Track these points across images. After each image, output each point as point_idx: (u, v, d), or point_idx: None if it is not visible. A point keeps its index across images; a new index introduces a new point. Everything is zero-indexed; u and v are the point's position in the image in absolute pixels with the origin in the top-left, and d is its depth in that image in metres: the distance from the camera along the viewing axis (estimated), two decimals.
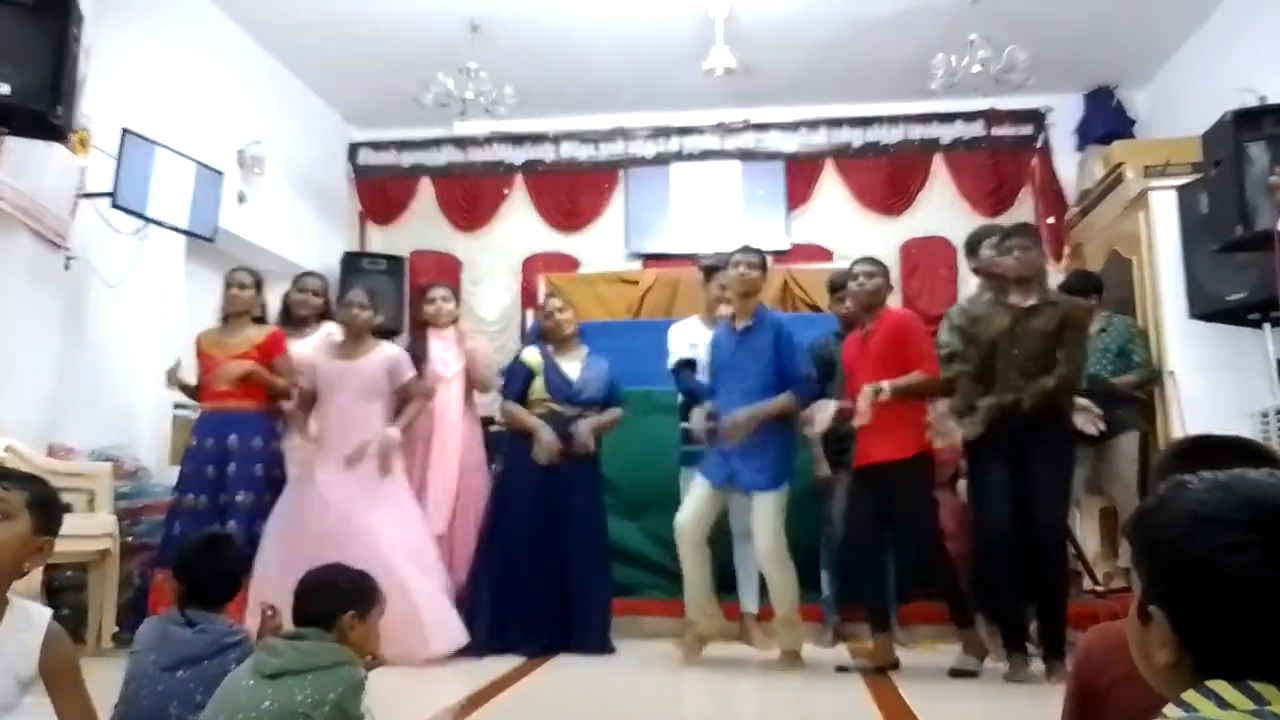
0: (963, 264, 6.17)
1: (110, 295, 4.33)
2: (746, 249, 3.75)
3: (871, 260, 3.69)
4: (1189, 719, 0.74)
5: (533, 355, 4.08)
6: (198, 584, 2.06)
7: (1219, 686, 0.74)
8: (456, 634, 3.67)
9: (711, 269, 4.13)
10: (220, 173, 4.69)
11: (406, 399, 3.99)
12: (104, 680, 1.95)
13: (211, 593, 2.06)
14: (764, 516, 3.51)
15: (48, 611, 1.68)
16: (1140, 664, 0.83)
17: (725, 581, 3.87)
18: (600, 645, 3.81)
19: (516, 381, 4.05)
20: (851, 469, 3.66)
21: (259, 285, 4.09)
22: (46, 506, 1.67)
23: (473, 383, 4.43)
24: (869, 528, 3.54)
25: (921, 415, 3.48)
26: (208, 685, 1.89)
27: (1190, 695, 0.75)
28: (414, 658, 3.40)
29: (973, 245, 3.84)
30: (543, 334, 4.17)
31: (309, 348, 4.20)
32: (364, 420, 3.83)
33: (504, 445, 4.25)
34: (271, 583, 3.10)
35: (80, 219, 4.10)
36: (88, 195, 4.12)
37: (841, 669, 3.44)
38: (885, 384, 3.34)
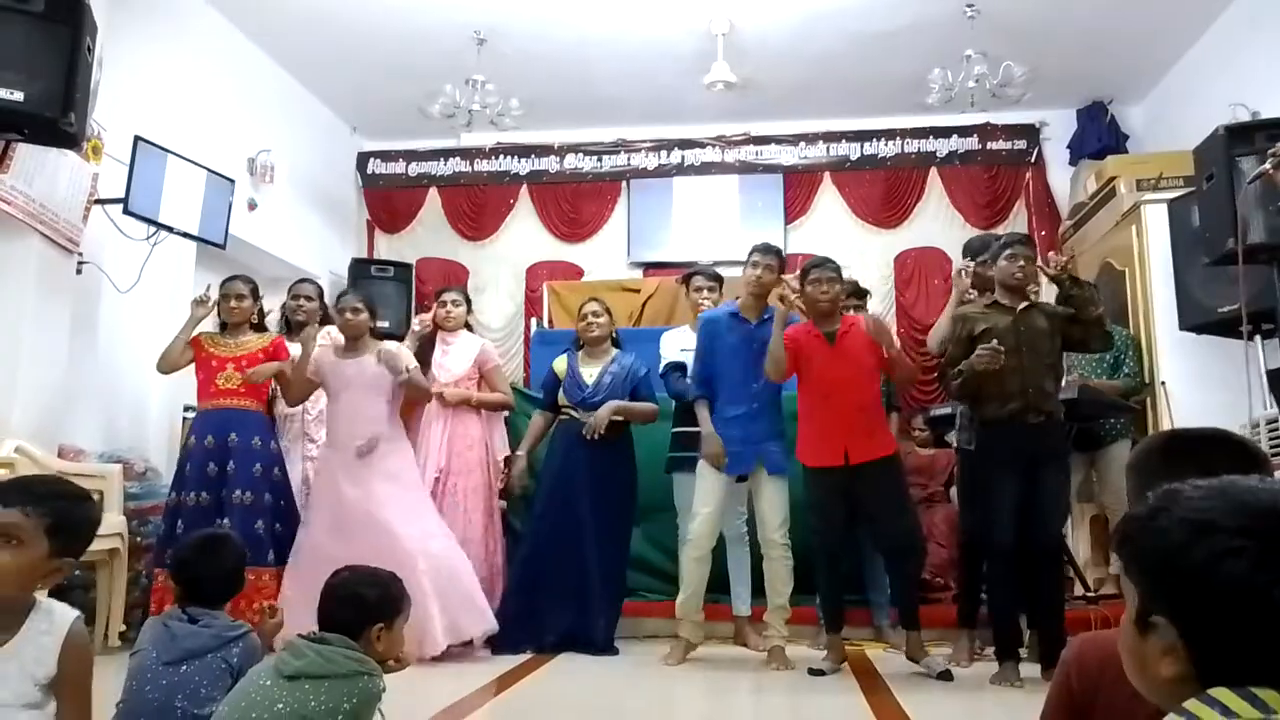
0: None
1: (121, 300, 4.40)
2: (767, 249, 3.78)
3: (829, 264, 3.61)
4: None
5: (561, 363, 4.18)
6: (196, 583, 2.07)
7: (1221, 694, 0.73)
8: (483, 618, 3.74)
9: (689, 277, 4.27)
10: (231, 180, 4.75)
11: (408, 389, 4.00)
12: (110, 678, 1.97)
13: (210, 591, 2.07)
14: (776, 498, 3.61)
15: (72, 613, 1.62)
16: (1136, 676, 0.81)
17: (718, 584, 3.91)
18: (605, 646, 3.87)
19: (547, 391, 4.21)
20: (814, 469, 3.55)
21: (255, 293, 4.15)
22: (69, 531, 1.59)
23: (489, 402, 4.45)
24: (840, 529, 3.55)
25: (886, 416, 3.64)
26: (212, 678, 1.93)
27: (1193, 705, 0.74)
28: (425, 654, 3.49)
29: (974, 249, 3.90)
30: (578, 340, 4.25)
31: (294, 351, 4.29)
32: (370, 416, 3.88)
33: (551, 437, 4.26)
34: (303, 581, 3.30)
35: (92, 225, 4.17)
36: (100, 201, 4.19)
37: (815, 671, 3.47)
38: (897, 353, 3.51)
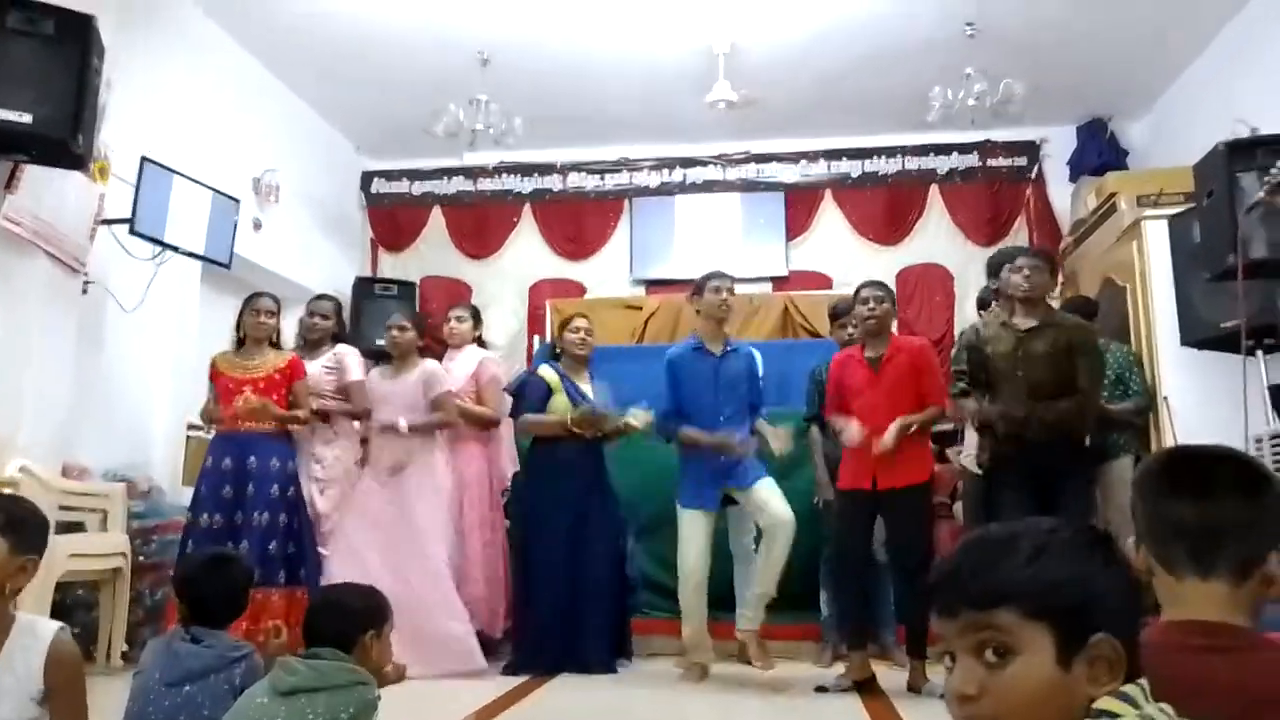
0: (959, 290, 6.29)
1: (127, 319, 4.42)
2: (721, 274, 3.83)
3: (879, 284, 3.75)
4: None
5: (549, 373, 4.16)
6: (201, 602, 2.07)
7: (1109, 703, 0.78)
8: (468, 655, 3.83)
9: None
10: (236, 200, 4.79)
11: (435, 409, 4.15)
12: (113, 697, 1.98)
13: (215, 611, 2.07)
14: (773, 492, 3.64)
15: (54, 625, 1.67)
16: (1048, 716, 0.80)
17: (724, 602, 3.91)
18: (605, 664, 3.86)
19: (534, 396, 4.11)
20: (842, 490, 3.67)
21: (279, 312, 4.19)
22: (20, 526, 1.65)
23: (471, 414, 4.46)
24: (861, 544, 3.58)
25: (927, 441, 3.56)
26: (214, 699, 1.91)
27: (1109, 703, 0.78)
28: (427, 672, 3.54)
29: (995, 266, 3.91)
30: (556, 354, 4.25)
31: (310, 368, 4.33)
32: (409, 437, 4.05)
33: (528, 463, 4.28)
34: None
35: (98, 245, 4.19)
36: (106, 222, 4.21)
37: (820, 689, 3.48)
38: (913, 418, 3.43)
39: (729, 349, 3.82)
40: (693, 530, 3.71)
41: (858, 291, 3.71)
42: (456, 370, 4.52)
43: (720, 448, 3.66)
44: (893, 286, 6.45)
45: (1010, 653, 0.80)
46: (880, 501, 3.49)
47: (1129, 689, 0.79)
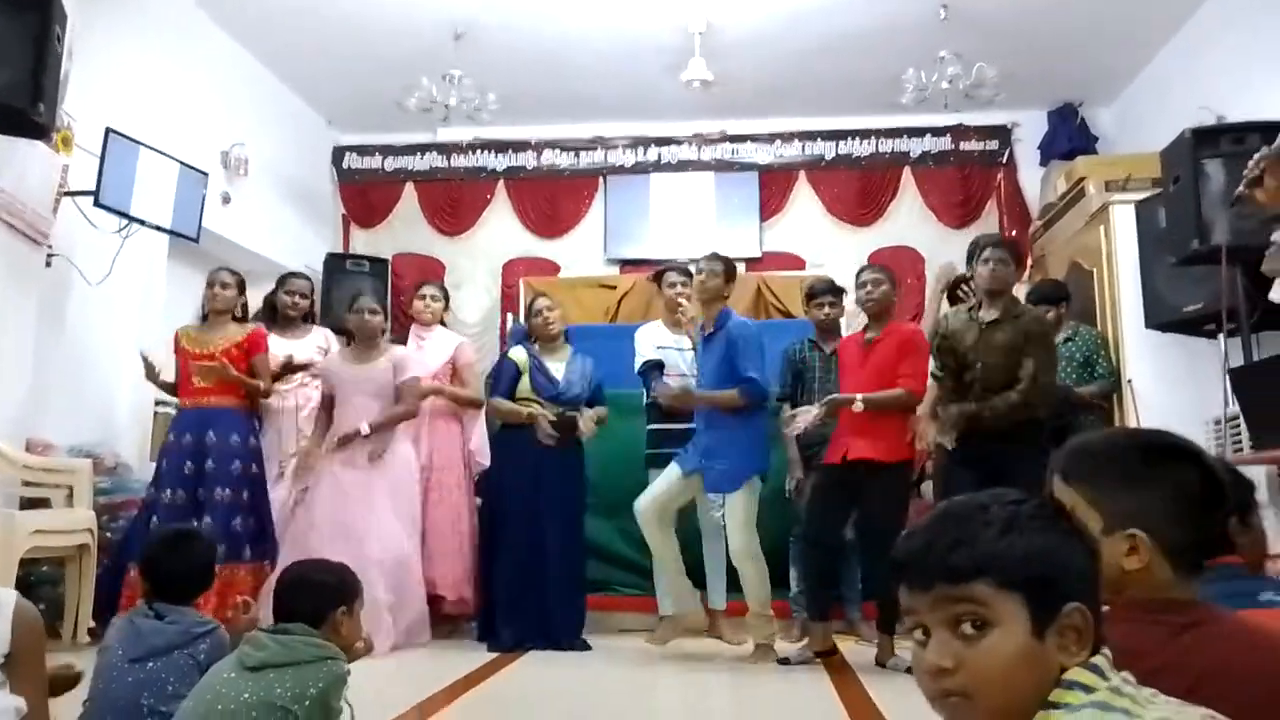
0: (929, 273, 6.35)
1: (92, 293, 4.35)
2: (713, 256, 3.85)
3: (879, 268, 3.84)
4: (1100, 697, 0.78)
5: (519, 354, 4.16)
6: (164, 579, 2.06)
7: (1078, 674, 0.80)
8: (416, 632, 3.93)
9: (660, 273, 4.34)
10: (204, 173, 4.72)
11: (398, 397, 4.10)
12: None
13: (178, 587, 2.07)
14: (734, 515, 3.62)
15: (12, 593, 1.66)
16: (1024, 686, 0.81)
17: (694, 578, 3.95)
18: (574, 640, 3.89)
19: (505, 379, 4.15)
20: (823, 465, 3.73)
21: (241, 286, 4.15)
22: None
23: (460, 397, 4.50)
24: (834, 522, 3.64)
25: (907, 422, 3.61)
26: (179, 675, 1.92)
27: (1079, 674, 0.80)
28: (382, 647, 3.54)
29: (970, 255, 3.97)
30: (529, 334, 4.25)
31: (303, 349, 4.34)
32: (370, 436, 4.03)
33: (494, 443, 4.37)
34: None
35: (63, 217, 4.12)
36: (70, 194, 4.15)
37: (783, 661, 3.55)
38: (859, 397, 3.47)
39: (716, 329, 3.76)
40: (663, 477, 3.76)
41: (858, 274, 3.81)
42: (430, 352, 4.50)
43: (677, 398, 3.73)
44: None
45: (987, 625, 0.80)
46: (856, 475, 3.52)
47: (1097, 660, 0.81)
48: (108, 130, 4.15)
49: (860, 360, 3.67)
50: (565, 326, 4.29)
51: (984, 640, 0.80)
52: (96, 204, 4.14)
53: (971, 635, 0.81)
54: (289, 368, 4.29)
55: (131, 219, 4.32)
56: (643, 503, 3.75)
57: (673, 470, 3.74)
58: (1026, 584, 0.80)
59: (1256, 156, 2.64)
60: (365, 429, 3.98)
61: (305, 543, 3.80)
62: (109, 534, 3.98)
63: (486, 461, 4.45)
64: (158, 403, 4.76)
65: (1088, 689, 0.78)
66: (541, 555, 3.94)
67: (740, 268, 6.48)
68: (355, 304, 4.23)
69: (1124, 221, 4.74)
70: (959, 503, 0.89)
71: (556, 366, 4.14)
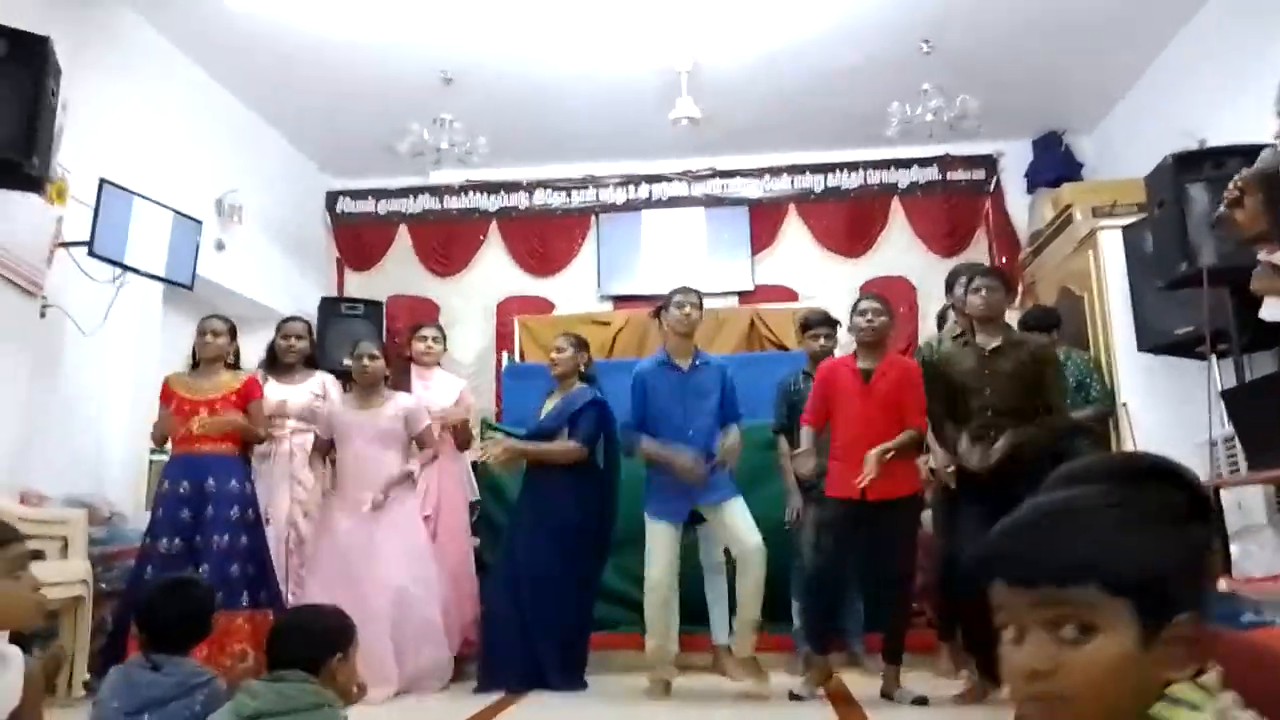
0: (922, 303, 6.38)
1: (86, 342, 4.36)
2: (686, 289, 3.86)
3: (879, 298, 3.81)
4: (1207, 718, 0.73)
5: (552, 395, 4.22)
6: (161, 626, 2.05)
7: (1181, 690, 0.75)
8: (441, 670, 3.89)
9: (661, 308, 4.31)
10: (198, 221, 4.74)
11: (421, 445, 4.14)
12: None
13: (175, 637, 2.05)
14: (742, 517, 3.64)
15: (18, 651, 1.67)
16: (1125, 696, 0.76)
17: (696, 614, 3.92)
18: (572, 682, 3.84)
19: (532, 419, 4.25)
20: (824, 497, 3.67)
21: (233, 332, 4.13)
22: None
23: (459, 438, 4.55)
24: (845, 559, 3.60)
25: (913, 456, 3.61)
26: None
27: (1185, 690, 0.74)
28: (390, 689, 3.56)
29: (949, 283, 3.99)
30: None
31: (298, 394, 4.33)
32: (379, 467, 3.98)
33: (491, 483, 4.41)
34: None
35: (57, 267, 4.14)
36: (65, 245, 4.17)
37: (794, 696, 3.50)
38: (890, 444, 3.46)
39: (698, 363, 3.83)
40: (660, 542, 3.71)
41: (857, 303, 3.78)
42: (435, 395, 4.52)
43: (681, 470, 3.65)
44: (857, 298, 6.61)
45: (1092, 630, 0.75)
46: (870, 513, 3.49)
47: (1207, 678, 0.75)
48: (102, 181, 4.18)
49: (859, 390, 3.62)
50: (580, 365, 4.21)
51: (1087, 645, 0.75)
52: (91, 254, 4.15)
53: (1074, 639, 0.75)
54: (280, 414, 4.27)
55: (126, 268, 4.33)
56: (663, 577, 3.68)
57: (665, 534, 3.71)
58: (1139, 590, 0.75)
59: (1235, 179, 2.67)
60: (415, 468, 4.03)
61: (308, 588, 3.77)
62: (103, 585, 3.93)
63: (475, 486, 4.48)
64: (152, 452, 4.74)
65: (1194, 707, 0.73)
66: (534, 593, 3.90)
67: (733, 301, 6.60)
68: (356, 350, 4.22)
69: (1112, 247, 4.79)
70: (1061, 498, 0.82)
71: (552, 402, 4.15)
